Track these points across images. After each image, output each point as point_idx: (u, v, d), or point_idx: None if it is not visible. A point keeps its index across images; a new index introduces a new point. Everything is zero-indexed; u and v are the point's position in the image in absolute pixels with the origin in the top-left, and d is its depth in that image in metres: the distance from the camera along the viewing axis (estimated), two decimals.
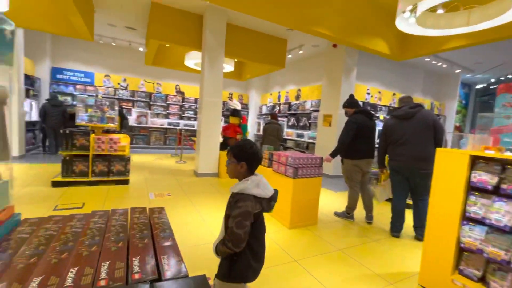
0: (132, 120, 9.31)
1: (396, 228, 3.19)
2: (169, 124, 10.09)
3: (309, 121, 8.45)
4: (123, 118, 8.32)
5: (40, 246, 0.86)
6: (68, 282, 0.68)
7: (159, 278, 0.73)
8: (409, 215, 3.34)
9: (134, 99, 9.70)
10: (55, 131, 6.74)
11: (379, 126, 7.15)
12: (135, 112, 9.55)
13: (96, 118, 4.68)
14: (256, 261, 1.24)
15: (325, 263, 2.44)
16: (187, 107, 10.56)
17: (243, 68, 9.54)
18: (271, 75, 11.20)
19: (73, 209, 3.28)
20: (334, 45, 6.59)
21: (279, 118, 9.72)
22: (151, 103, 9.99)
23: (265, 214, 1.30)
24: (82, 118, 4.58)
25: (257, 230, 1.24)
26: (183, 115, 10.51)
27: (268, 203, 1.24)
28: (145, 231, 1.02)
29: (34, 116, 7.28)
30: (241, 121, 6.19)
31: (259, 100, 11.78)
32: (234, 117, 6.13)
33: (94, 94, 8.83)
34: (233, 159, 1.25)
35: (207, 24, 5.51)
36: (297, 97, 9.24)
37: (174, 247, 0.93)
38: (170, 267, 0.79)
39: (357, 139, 3.42)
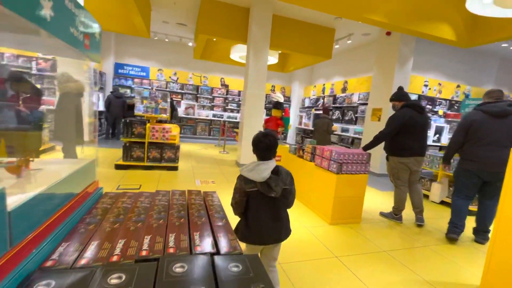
0: (181, 111, 9.98)
1: (455, 230, 2.87)
2: (214, 116, 10.55)
3: (356, 115, 8.02)
4: (173, 109, 8.97)
5: (120, 215, 1.02)
6: (145, 246, 0.81)
7: (217, 252, 0.82)
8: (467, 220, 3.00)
9: (183, 91, 10.36)
10: (116, 120, 7.68)
11: (437, 122, 6.46)
12: (183, 104, 10.20)
13: (151, 109, 5.15)
14: (248, 231, 1.48)
15: (368, 263, 2.35)
16: (230, 99, 10.89)
17: (286, 60, 9.43)
18: (316, 67, 10.85)
19: (132, 189, 3.71)
20: (388, 33, 6.08)
21: (322, 112, 9.43)
22: (198, 95, 10.55)
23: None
24: (139, 108, 5.08)
25: (254, 206, 1.48)
26: (226, 107, 10.88)
27: (266, 186, 1.41)
28: (201, 211, 1.14)
29: (101, 107, 8.30)
30: (283, 114, 6.18)
31: (302, 92, 11.55)
32: (276, 109, 6.15)
33: (149, 87, 9.68)
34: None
35: (253, 17, 5.56)
36: (344, 90, 8.81)
37: (228, 227, 1.01)
38: (225, 244, 0.87)
39: (405, 135, 3.16)
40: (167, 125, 5.04)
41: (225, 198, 3.68)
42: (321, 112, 6.38)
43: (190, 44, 9.26)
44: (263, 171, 1.41)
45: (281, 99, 6.29)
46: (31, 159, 1.01)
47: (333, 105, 9.10)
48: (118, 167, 4.69)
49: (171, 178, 4.45)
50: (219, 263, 0.73)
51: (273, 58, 7.51)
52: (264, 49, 5.70)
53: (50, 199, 0.86)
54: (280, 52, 7.92)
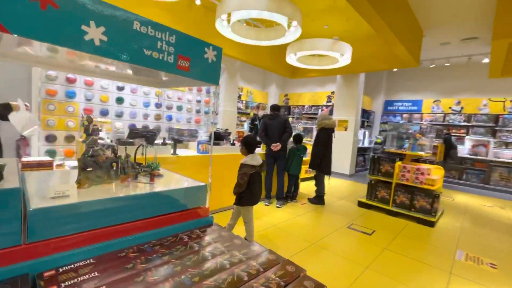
0: (463, 150, 7.56)
1: None
2: None
3: None
4: (449, 147, 7.05)
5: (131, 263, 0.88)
6: None
7: None
8: None
9: (469, 124, 7.82)
10: None
11: None
12: (469, 141, 7.64)
13: (408, 145, 4.39)
14: (253, 197, 2.50)
15: None
16: None
17: None
18: None
19: (363, 233, 3.29)
20: None
21: None
22: (496, 128, 7.37)
23: None
24: (391, 144, 4.56)
25: (253, 181, 2.47)
26: None
27: (260, 167, 2.50)
28: None
29: (366, 143, 8.70)
30: None
31: None
32: None
33: (420, 122, 8.51)
34: (242, 146, 2.57)
35: None
36: None
37: None
38: None
39: None
40: (424, 166, 3.99)
41: None
42: None
43: (487, 60, 6.87)
44: (258, 159, 2.50)
45: None
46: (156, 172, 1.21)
47: None
48: (360, 204, 4.48)
49: (418, 235, 3.37)
50: None
51: None
52: None
53: (83, 213, 0.91)
54: None
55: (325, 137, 4.31)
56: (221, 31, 4.31)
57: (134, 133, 2.85)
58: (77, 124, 4.61)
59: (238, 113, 8.03)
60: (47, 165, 1.86)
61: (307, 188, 5.35)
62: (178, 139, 3.05)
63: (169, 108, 6.08)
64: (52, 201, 0.87)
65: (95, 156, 1.01)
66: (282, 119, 4.06)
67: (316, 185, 4.47)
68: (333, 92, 8.39)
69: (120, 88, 5.24)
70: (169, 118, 6.09)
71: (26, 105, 2.07)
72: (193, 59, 1.20)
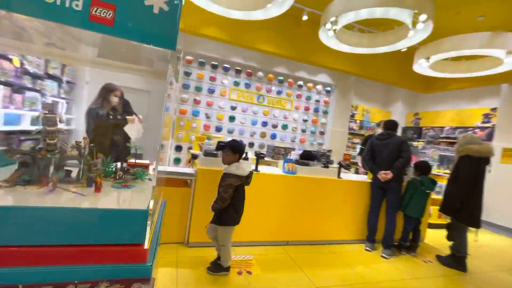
0: None
1: None
2: None
3: None
4: None
5: None
6: None
7: None
8: None
9: None
10: None
11: None
12: None
13: None
14: (237, 215, 2.14)
15: None
16: None
17: None
18: None
19: None
20: None
21: None
22: None
23: None
24: None
25: (238, 196, 2.12)
26: None
27: (246, 179, 2.13)
28: None
29: None
30: None
31: None
32: None
33: None
34: (230, 152, 2.12)
35: None
36: None
37: None
38: None
39: None
40: None
41: None
42: None
43: None
44: (245, 168, 2.10)
45: None
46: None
47: None
48: None
49: None
50: None
51: None
52: None
53: None
54: None
55: (470, 169, 2.92)
56: (326, 42, 3.94)
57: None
58: (197, 137, 5.49)
59: (350, 133, 7.15)
60: (145, 167, 2.18)
61: (438, 239, 3.81)
62: (259, 154, 2.88)
63: (274, 126, 6.18)
64: None
65: (39, 150, 0.88)
66: (397, 140, 3.10)
67: (450, 238, 3.06)
68: (494, 109, 5.95)
69: (233, 108, 5.81)
70: (274, 136, 6.17)
71: (138, 117, 2.51)
72: (122, 6, 0.75)
